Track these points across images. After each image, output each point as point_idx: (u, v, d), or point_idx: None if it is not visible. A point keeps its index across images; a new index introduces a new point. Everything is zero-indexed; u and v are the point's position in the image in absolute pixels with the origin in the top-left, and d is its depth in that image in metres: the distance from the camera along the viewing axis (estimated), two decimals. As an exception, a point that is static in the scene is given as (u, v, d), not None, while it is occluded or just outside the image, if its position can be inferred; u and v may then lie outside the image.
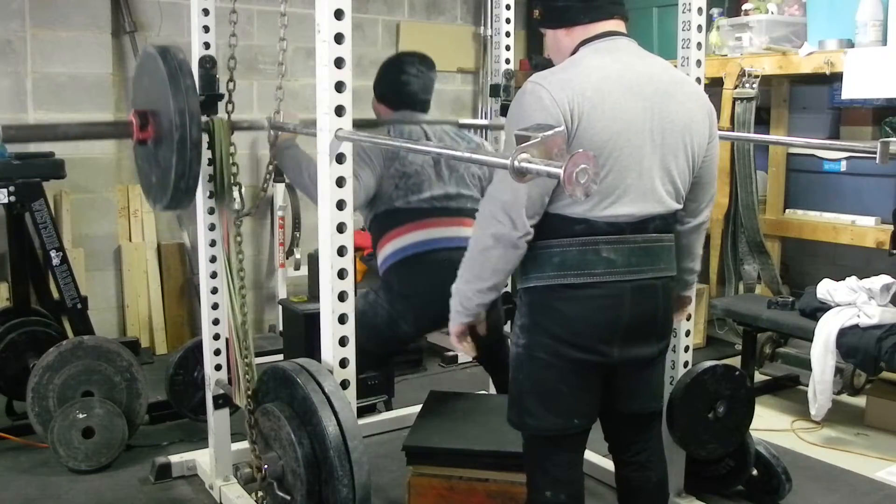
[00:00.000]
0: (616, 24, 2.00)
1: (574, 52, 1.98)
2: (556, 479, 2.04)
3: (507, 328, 3.28)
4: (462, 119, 5.36)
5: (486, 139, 3.23)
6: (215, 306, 2.69)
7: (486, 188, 2.48)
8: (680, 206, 2.03)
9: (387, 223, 2.66)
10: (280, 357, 3.67)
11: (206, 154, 2.50)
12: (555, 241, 1.91)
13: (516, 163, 1.34)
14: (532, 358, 1.98)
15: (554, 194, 1.87)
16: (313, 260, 3.91)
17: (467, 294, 2.00)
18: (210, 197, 2.61)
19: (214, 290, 2.69)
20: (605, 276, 1.91)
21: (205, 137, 2.40)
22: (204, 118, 2.41)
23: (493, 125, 3.22)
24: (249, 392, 2.20)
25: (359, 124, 2.60)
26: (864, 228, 3.76)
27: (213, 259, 2.66)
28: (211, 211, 2.61)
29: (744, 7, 4.09)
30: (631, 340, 1.97)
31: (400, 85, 2.76)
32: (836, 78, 3.61)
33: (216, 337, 2.71)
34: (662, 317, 2.04)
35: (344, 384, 1.96)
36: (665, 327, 2.07)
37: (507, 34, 3.21)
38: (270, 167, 2.43)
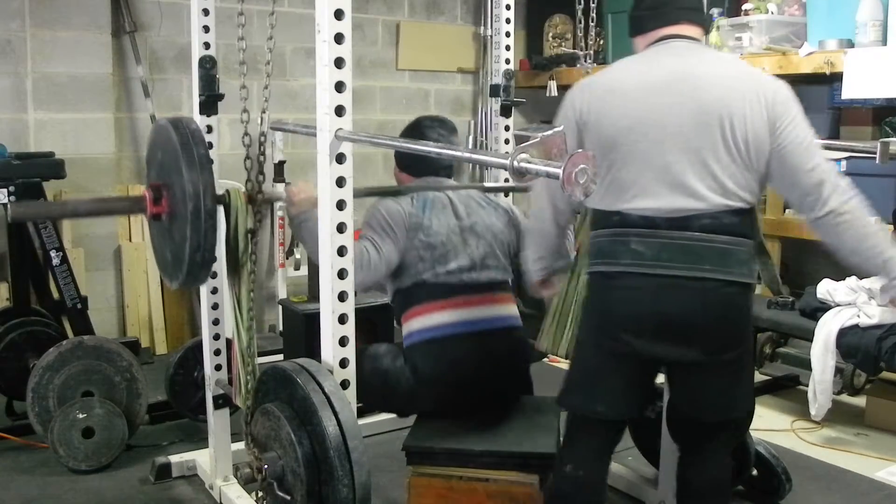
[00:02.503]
0: (681, 29, 2.03)
1: None
2: (580, 458, 2.14)
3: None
4: (461, 117, 5.39)
5: (484, 115, 3.15)
6: (215, 306, 2.69)
7: (515, 257, 2.64)
8: (734, 204, 1.94)
9: (413, 297, 2.53)
10: (280, 357, 3.67)
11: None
12: (597, 231, 2.06)
13: (515, 163, 1.35)
14: (579, 342, 2.17)
15: None
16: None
17: (527, 261, 2.31)
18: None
19: (214, 291, 2.69)
20: (629, 266, 1.96)
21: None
22: (220, 191, 2.30)
23: (518, 187, 2.96)
24: (249, 391, 2.20)
25: (381, 192, 2.57)
26: (864, 228, 3.76)
27: (213, 259, 2.65)
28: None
29: (744, 7, 4.09)
30: (663, 338, 1.96)
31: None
32: (836, 78, 3.61)
33: (216, 337, 2.71)
34: (706, 320, 1.95)
35: (344, 384, 1.96)
36: (712, 333, 1.97)
37: (507, 34, 3.21)
38: (264, 137, 2.34)
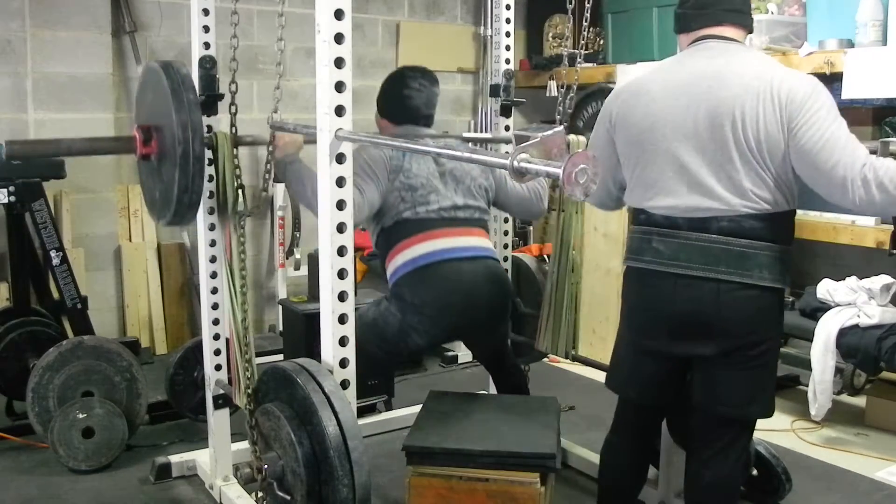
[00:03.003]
0: (723, 30, 2.06)
1: None
2: (619, 429, 2.36)
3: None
4: (461, 116, 5.39)
5: (484, 115, 3.21)
6: (215, 306, 2.69)
7: (493, 199, 2.73)
8: (754, 206, 1.95)
9: (395, 235, 2.63)
10: (280, 357, 3.67)
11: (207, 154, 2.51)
12: (631, 227, 2.19)
13: (516, 163, 1.35)
14: (619, 329, 2.28)
15: (626, 181, 2.17)
16: (313, 260, 3.91)
17: None
18: (210, 213, 2.60)
19: (214, 290, 2.69)
20: (650, 264, 2.08)
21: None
22: (207, 133, 2.40)
23: (497, 139, 3.15)
24: (249, 390, 2.20)
25: (369, 142, 2.59)
26: (864, 228, 3.76)
27: (213, 259, 2.66)
28: (211, 211, 2.60)
29: (744, 7, 4.08)
30: (678, 334, 2.07)
31: (403, 99, 2.73)
32: (836, 78, 3.60)
33: (216, 337, 2.71)
34: (721, 320, 2.00)
35: (344, 384, 1.96)
36: (728, 333, 2.01)
37: (507, 34, 3.21)
38: (268, 166, 2.43)
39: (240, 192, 2.37)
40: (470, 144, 2.92)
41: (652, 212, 2.08)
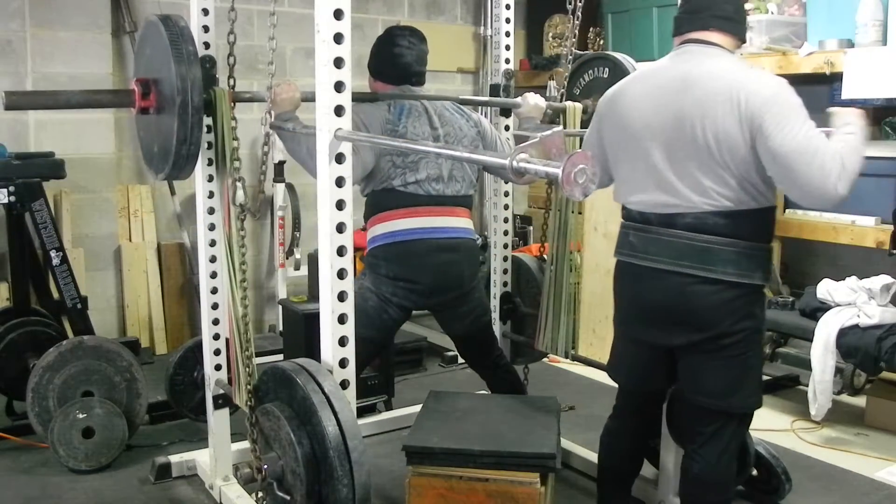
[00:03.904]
0: (708, 35, 2.12)
1: None
2: (616, 413, 2.46)
3: (507, 328, 3.29)
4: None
5: (483, 115, 3.21)
6: (215, 306, 2.69)
7: (482, 169, 2.85)
8: (717, 203, 2.02)
9: (382, 202, 2.69)
10: (280, 357, 3.67)
11: (206, 154, 2.51)
12: (621, 222, 2.29)
13: (515, 163, 1.35)
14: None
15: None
16: (313, 260, 3.91)
17: None
18: (210, 213, 2.60)
19: (214, 290, 2.69)
20: (627, 256, 2.21)
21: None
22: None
23: (493, 102, 3.22)
24: (249, 385, 2.20)
25: (359, 98, 2.62)
26: (864, 228, 3.76)
27: (213, 259, 2.66)
28: (211, 211, 2.61)
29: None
30: (654, 323, 2.18)
31: (394, 58, 2.76)
32: (836, 78, 3.60)
33: (216, 337, 2.71)
34: (687, 311, 2.09)
35: (344, 384, 1.96)
36: (696, 324, 2.09)
37: (507, 34, 3.21)
38: (267, 139, 2.41)
39: (239, 181, 2.36)
40: (464, 107, 2.92)
41: (630, 207, 2.21)
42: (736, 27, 2.14)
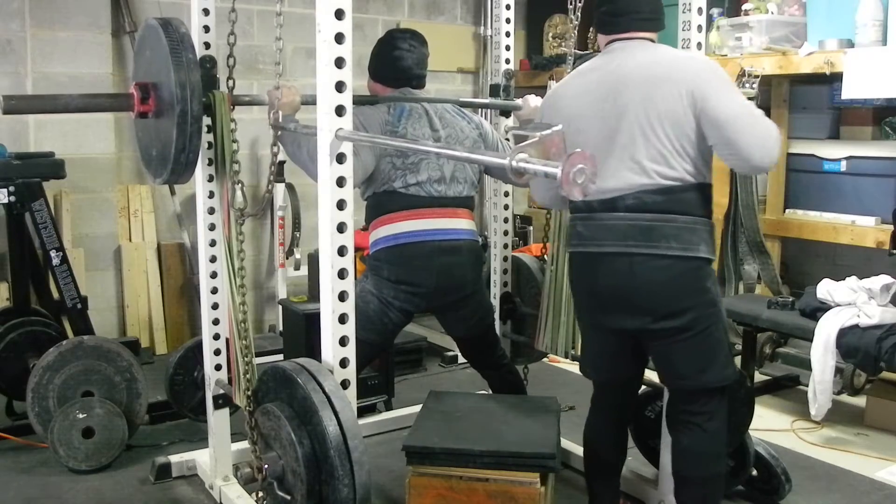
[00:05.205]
0: (631, 35, 2.26)
1: None
2: (593, 410, 2.50)
3: (507, 328, 3.29)
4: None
5: (483, 117, 3.21)
6: (215, 306, 2.69)
7: (486, 169, 2.87)
8: (656, 182, 2.12)
9: (383, 205, 2.68)
10: (280, 357, 3.67)
11: (206, 153, 2.51)
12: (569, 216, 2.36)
13: (514, 163, 1.35)
14: None
15: None
16: (313, 260, 3.91)
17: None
18: (210, 213, 2.60)
19: (214, 290, 2.69)
20: (577, 246, 2.28)
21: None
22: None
23: (493, 104, 3.22)
24: (249, 391, 2.20)
25: (359, 101, 2.62)
26: (864, 228, 3.76)
27: (213, 259, 2.66)
28: (211, 211, 2.61)
29: (744, 7, 4.08)
30: (608, 308, 2.24)
31: (394, 60, 2.75)
32: (836, 78, 3.60)
33: (216, 337, 2.71)
34: (640, 291, 2.15)
35: (344, 384, 1.96)
36: (651, 303, 2.16)
37: (507, 34, 3.21)
38: (275, 149, 2.41)
39: (238, 185, 2.37)
40: (465, 110, 2.91)
41: (574, 200, 2.20)
42: (655, 24, 2.28)
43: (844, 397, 3.70)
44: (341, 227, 1.94)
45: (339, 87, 1.88)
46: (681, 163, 2.12)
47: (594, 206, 2.19)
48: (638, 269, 2.14)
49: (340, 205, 1.93)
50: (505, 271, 3.28)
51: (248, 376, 2.28)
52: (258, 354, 2.49)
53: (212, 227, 2.62)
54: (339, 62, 1.87)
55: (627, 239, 2.15)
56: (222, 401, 2.73)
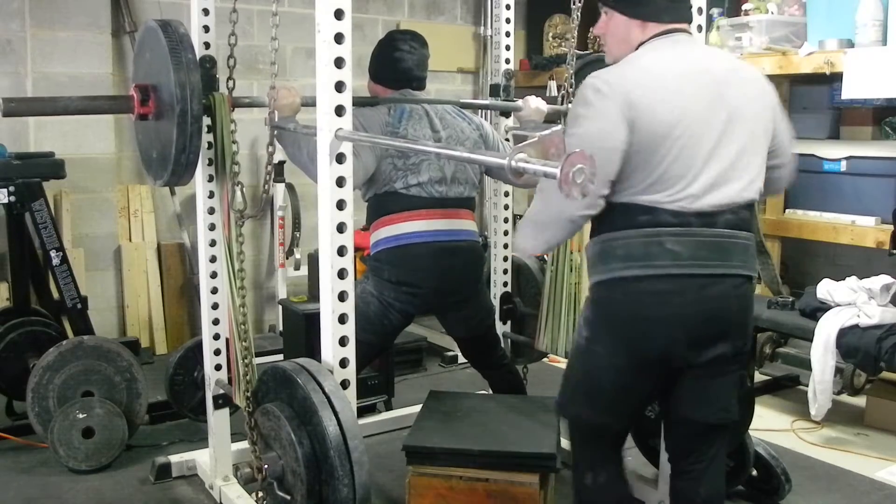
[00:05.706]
0: (685, 26, 2.02)
1: (638, 48, 1.97)
2: (597, 464, 2.12)
3: (507, 328, 3.29)
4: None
5: (483, 117, 3.21)
6: (215, 306, 2.69)
7: (487, 170, 2.78)
8: (753, 197, 1.95)
9: (385, 206, 2.68)
10: (280, 357, 3.67)
11: (206, 153, 2.51)
12: (619, 233, 1.90)
13: (514, 163, 1.34)
14: (590, 352, 2.00)
15: (622, 175, 1.85)
16: (313, 260, 3.91)
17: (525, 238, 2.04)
18: (210, 197, 2.61)
19: (214, 290, 2.69)
20: (669, 268, 1.87)
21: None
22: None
23: (494, 105, 3.20)
24: (249, 391, 2.20)
25: (359, 103, 2.61)
26: (864, 228, 3.76)
27: (213, 259, 2.66)
28: (211, 211, 2.61)
29: (744, 7, 4.08)
30: (700, 341, 1.91)
31: (394, 62, 2.75)
32: (836, 78, 3.60)
33: (216, 337, 2.71)
34: (737, 316, 1.95)
35: (344, 384, 1.96)
36: (740, 329, 1.97)
37: (507, 34, 3.21)
38: (271, 149, 2.38)
39: (238, 186, 2.37)
40: (466, 111, 2.91)
41: (661, 210, 1.87)
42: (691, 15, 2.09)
43: (844, 397, 3.70)
44: (341, 228, 1.94)
45: (339, 87, 1.88)
46: (762, 175, 1.97)
47: (691, 220, 1.86)
48: (738, 292, 1.93)
49: (340, 205, 1.93)
50: (505, 271, 3.28)
51: (248, 377, 2.28)
52: (258, 354, 2.49)
53: (212, 227, 2.62)
54: (339, 62, 1.87)
55: (732, 258, 1.90)
56: (222, 401, 2.73)
